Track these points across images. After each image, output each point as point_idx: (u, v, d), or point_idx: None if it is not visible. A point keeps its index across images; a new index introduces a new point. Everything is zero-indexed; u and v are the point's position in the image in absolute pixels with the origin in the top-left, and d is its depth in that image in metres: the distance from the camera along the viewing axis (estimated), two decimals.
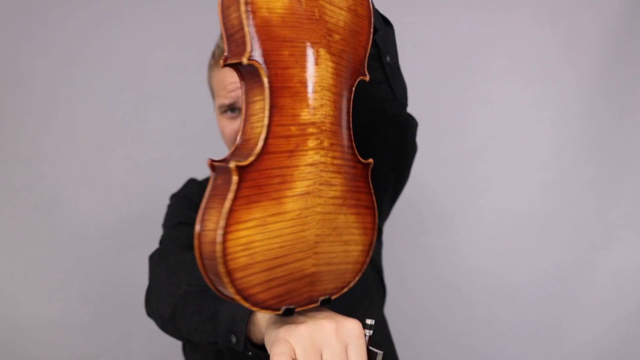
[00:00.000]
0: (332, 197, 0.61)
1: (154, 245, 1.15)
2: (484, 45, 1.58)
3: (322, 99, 0.60)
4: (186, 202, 1.13)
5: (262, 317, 0.66)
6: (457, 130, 1.62)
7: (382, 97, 0.81)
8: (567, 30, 1.55)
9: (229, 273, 0.55)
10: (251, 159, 0.55)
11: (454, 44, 1.59)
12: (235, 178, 0.55)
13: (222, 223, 0.54)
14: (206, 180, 1.19)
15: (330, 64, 0.60)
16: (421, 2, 1.59)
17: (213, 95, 1.10)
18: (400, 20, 1.55)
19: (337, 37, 0.61)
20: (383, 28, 0.75)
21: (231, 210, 0.54)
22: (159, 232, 1.15)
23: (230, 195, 0.54)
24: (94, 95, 1.58)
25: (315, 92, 0.59)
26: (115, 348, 1.65)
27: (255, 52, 0.56)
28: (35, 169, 1.58)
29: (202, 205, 0.57)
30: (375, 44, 0.73)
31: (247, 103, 0.59)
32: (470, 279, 1.66)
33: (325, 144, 0.60)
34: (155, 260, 0.97)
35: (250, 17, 0.55)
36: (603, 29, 1.53)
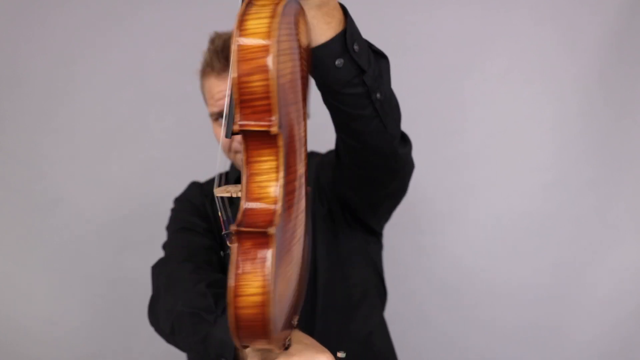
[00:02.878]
0: (304, 234, 0.67)
1: (154, 244, 1.15)
2: (483, 44, 1.58)
3: (304, 151, 0.63)
4: (189, 206, 1.14)
5: None
6: (457, 129, 1.62)
7: (373, 131, 0.79)
8: (567, 30, 1.55)
9: (269, 333, 0.55)
10: (278, 221, 0.55)
11: (454, 43, 1.59)
12: (273, 243, 0.54)
13: (270, 288, 0.53)
14: (208, 182, 1.19)
15: (305, 114, 0.64)
16: (422, 1, 1.59)
17: (205, 102, 1.12)
18: (401, 19, 1.56)
19: (303, 87, 0.64)
20: (373, 65, 0.73)
21: (275, 275, 0.54)
22: (158, 231, 1.15)
23: (274, 261, 0.53)
24: (94, 95, 1.58)
25: (303, 145, 0.62)
26: (115, 348, 1.65)
27: (279, 120, 0.54)
28: (36, 169, 1.58)
29: (234, 271, 0.54)
30: (363, 83, 0.72)
31: (250, 162, 0.57)
32: (469, 279, 1.65)
33: (304, 190, 0.65)
34: (157, 271, 0.99)
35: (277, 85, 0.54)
36: (603, 28, 1.53)
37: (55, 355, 1.61)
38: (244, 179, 0.57)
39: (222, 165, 1.31)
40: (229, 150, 1.08)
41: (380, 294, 1.17)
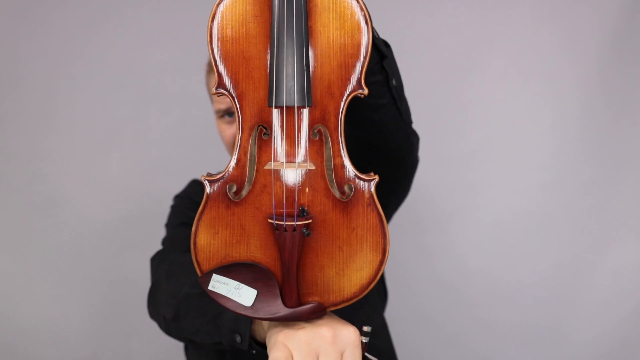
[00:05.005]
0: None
1: (154, 244, 1.15)
2: (482, 45, 1.58)
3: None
4: (188, 202, 1.14)
5: None
6: (456, 130, 1.62)
7: (390, 120, 0.82)
8: (566, 30, 1.56)
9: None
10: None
11: (452, 43, 1.59)
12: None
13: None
14: None
15: None
16: (420, 1, 1.59)
17: (211, 99, 1.11)
18: (399, 19, 1.56)
19: None
20: (391, 53, 0.76)
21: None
22: (158, 231, 1.15)
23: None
24: (94, 95, 1.59)
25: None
26: (115, 348, 1.65)
27: None
28: (36, 169, 1.58)
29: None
30: (382, 69, 0.74)
31: None
32: (469, 279, 1.66)
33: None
34: (157, 262, 0.98)
35: None
36: (602, 29, 1.53)
37: (55, 356, 1.61)
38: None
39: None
40: (232, 147, 1.07)
41: (381, 295, 1.17)
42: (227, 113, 1.03)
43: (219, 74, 0.64)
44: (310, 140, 0.64)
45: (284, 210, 0.64)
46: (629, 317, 1.61)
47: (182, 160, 1.59)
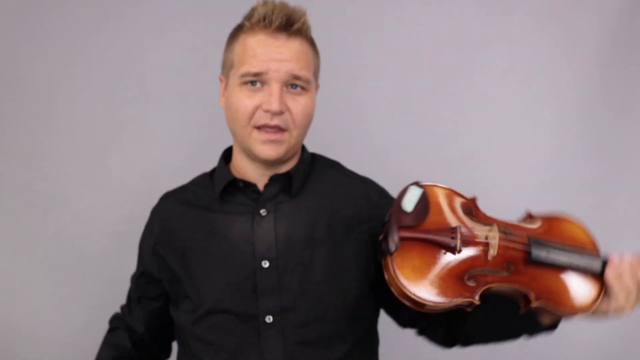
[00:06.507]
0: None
1: None
2: (482, 45, 1.58)
3: None
4: (148, 247, 1.11)
5: None
6: (456, 130, 1.62)
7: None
8: (565, 31, 1.56)
9: None
10: None
11: (452, 44, 1.59)
12: None
13: None
14: (184, 189, 1.16)
15: None
16: (420, 2, 1.59)
17: (231, 64, 0.95)
18: (400, 19, 1.56)
19: None
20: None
21: None
22: None
23: None
24: (94, 95, 1.59)
25: None
26: None
27: None
28: (36, 169, 1.58)
29: None
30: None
31: None
32: None
33: None
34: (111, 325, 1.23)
35: None
36: (602, 30, 1.53)
37: (55, 356, 1.61)
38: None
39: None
40: (248, 122, 0.92)
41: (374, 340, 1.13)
42: (252, 81, 0.90)
43: None
44: None
45: None
46: (630, 317, 1.61)
47: (182, 160, 1.59)
